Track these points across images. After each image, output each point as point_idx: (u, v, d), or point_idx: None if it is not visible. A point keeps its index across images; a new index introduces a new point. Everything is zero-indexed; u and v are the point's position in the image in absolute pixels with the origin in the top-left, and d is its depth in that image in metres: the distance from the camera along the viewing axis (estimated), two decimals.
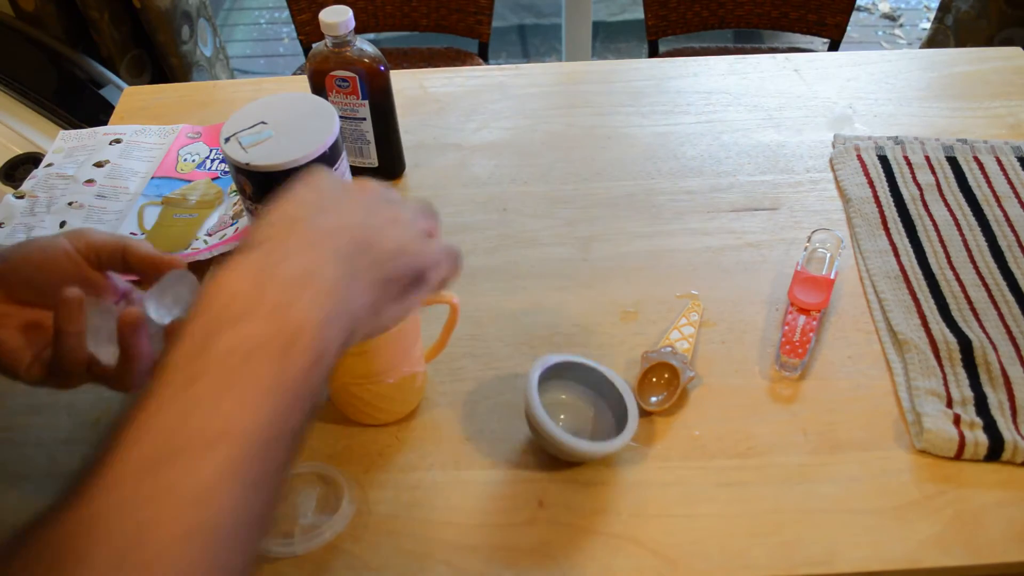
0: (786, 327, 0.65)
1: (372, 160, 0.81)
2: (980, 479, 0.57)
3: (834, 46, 1.52)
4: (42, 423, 0.64)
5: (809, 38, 1.58)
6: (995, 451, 0.57)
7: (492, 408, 0.63)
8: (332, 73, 0.75)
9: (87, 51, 1.62)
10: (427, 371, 0.64)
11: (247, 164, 0.62)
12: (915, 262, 0.70)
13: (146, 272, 0.51)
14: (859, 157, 0.81)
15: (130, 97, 0.98)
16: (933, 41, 1.78)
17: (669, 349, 0.64)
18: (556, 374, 0.61)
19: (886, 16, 2.67)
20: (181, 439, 0.31)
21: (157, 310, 0.49)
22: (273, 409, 0.32)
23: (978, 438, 0.57)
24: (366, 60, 0.74)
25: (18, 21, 1.55)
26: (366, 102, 0.76)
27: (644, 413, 0.61)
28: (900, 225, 0.74)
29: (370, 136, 0.79)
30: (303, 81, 0.81)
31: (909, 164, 0.80)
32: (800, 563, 0.53)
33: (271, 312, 0.34)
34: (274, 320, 0.33)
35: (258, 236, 0.37)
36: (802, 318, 0.66)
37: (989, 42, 1.62)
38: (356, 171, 0.81)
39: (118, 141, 0.87)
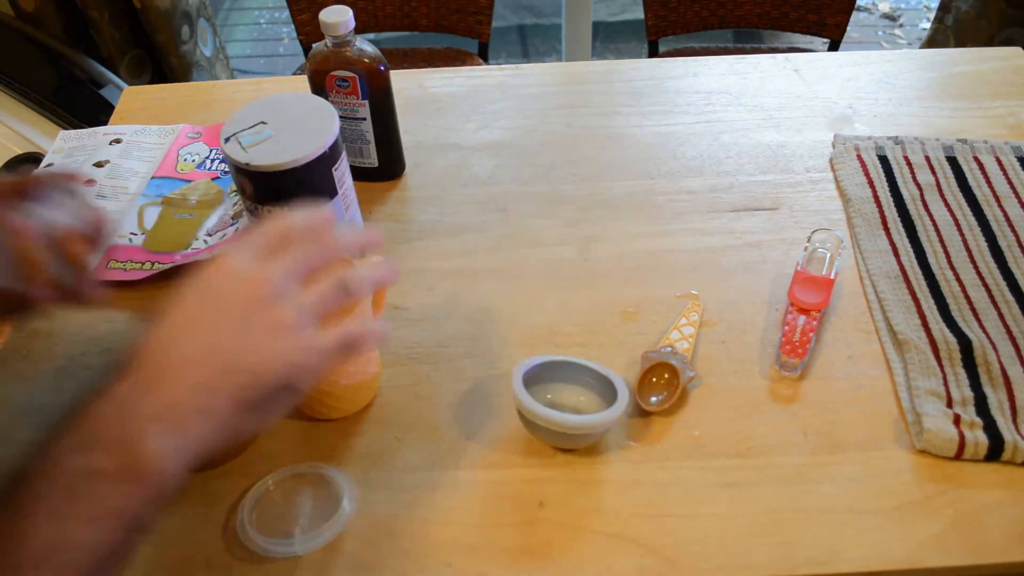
0: (786, 327, 0.65)
1: (372, 160, 0.81)
2: (980, 479, 0.57)
3: (834, 46, 1.52)
4: (42, 423, 0.64)
5: (809, 38, 1.57)
6: (995, 451, 0.57)
7: (492, 408, 0.63)
8: (332, 73, 0.75)
9: (87, 51, 1.62)
10: (379, 370, 0.64)
11: (247, 164, 0.62)
12: (915, 262, 0.70)
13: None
14: (859, 157, 0.81)
15: (130, 97, 0.98)
16: (933, 41, 1.78)
17: (669, 349, 0.64)
18: (554, 377, 0.61)
19: (886, 16, 2.67)
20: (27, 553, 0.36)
21: None
22: (103, 533, 0.37)
23: (978, 438, 0.57)
24: (366, 60, 0.74)
25: (18, 21, 1.56)
26: (366, 102, 0.76)
27: (644, 413, 0.61)
28: (900, 225, 0.74)
29: (370, 136, 0.79)
30: (303, 81, 0.81)
31: (909, 164, 0.80)
32: (800, 563, 0.53)
33: (120, 445, 0.38)
34: (121, 453, 0.37)
35: (136, 361, 0.40)
36: (802, 318, 0.66)
37: (989, 42, 1.62)
38: (356, 171, 0.81)
39: (118, 141, 0.87)
